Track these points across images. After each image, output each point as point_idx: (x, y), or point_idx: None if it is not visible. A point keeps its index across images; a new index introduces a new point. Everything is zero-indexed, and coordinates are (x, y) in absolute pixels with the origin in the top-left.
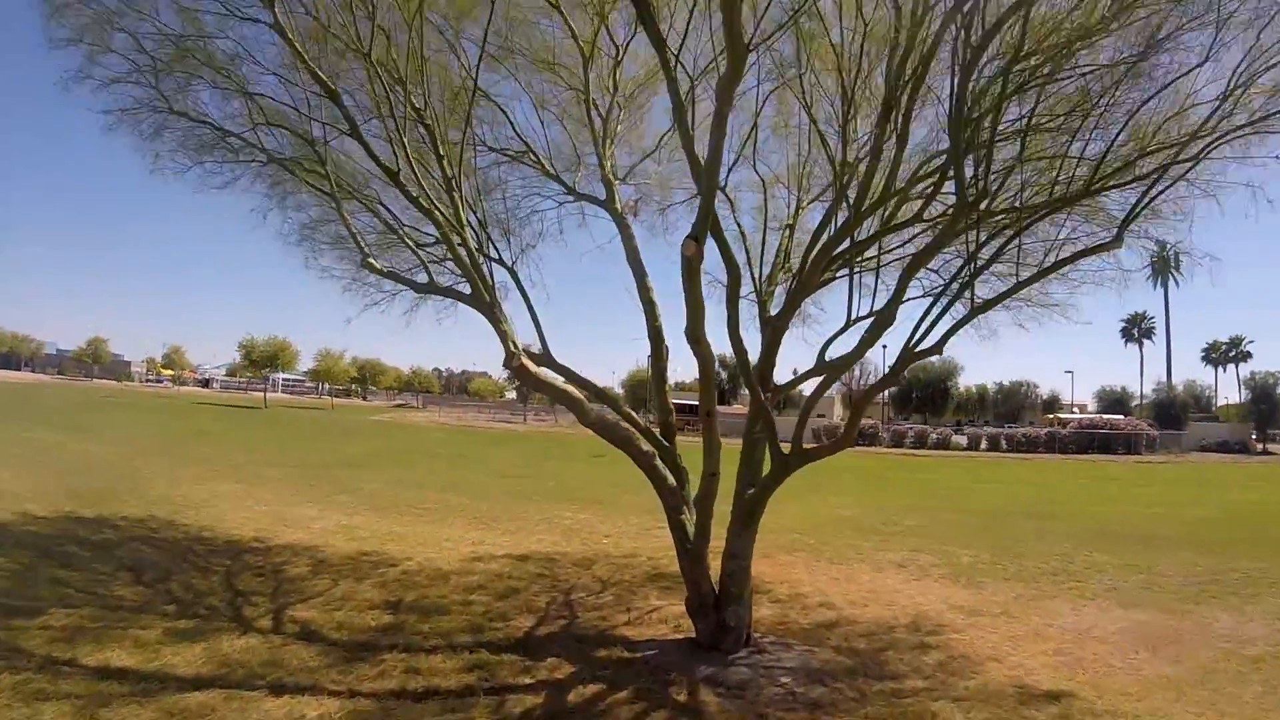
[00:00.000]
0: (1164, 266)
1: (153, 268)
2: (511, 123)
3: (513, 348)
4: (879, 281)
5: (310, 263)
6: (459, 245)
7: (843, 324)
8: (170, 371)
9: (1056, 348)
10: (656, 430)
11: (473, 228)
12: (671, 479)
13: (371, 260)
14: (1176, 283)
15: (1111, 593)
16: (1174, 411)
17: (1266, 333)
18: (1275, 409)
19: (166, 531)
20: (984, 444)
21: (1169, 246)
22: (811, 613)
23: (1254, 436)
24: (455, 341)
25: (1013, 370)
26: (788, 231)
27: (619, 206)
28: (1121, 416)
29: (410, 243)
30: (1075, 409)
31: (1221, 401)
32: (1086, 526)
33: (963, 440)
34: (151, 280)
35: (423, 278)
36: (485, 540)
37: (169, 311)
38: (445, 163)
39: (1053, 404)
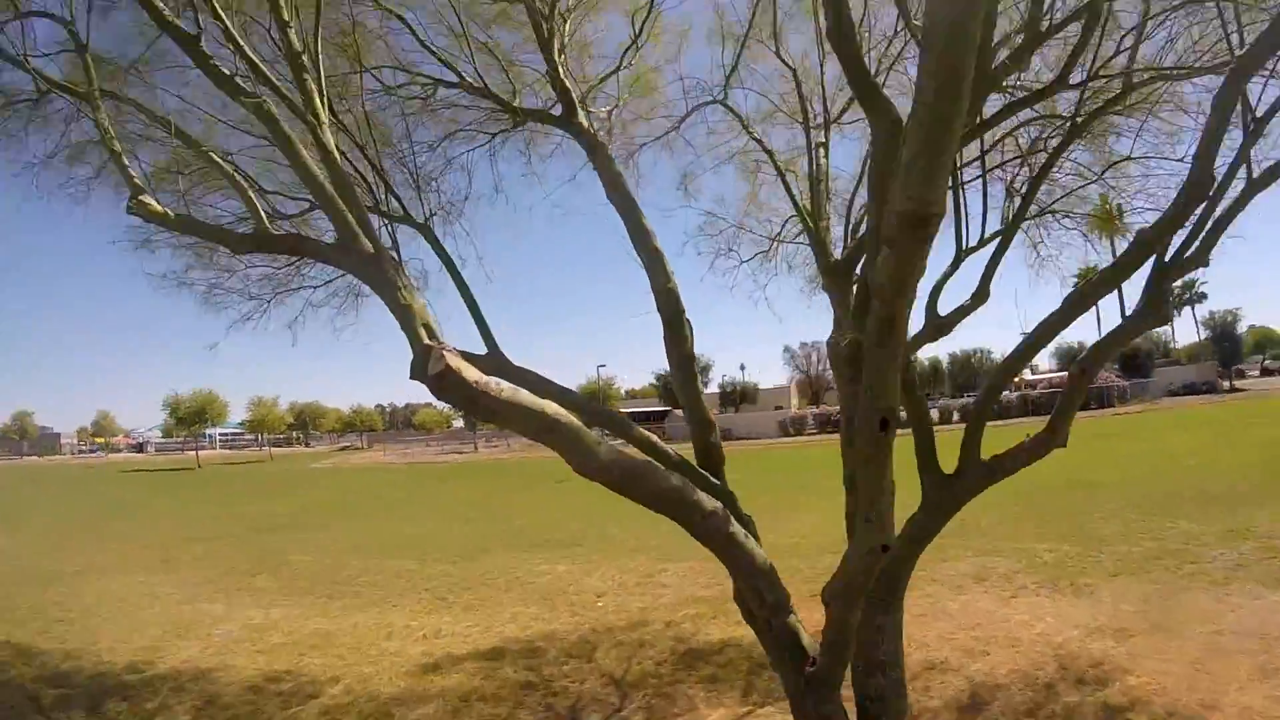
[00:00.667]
0: (1108, 216)
1: (74, 329)
2: (415, 35)
3: (425, 337)
4: (987, 191)
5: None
6: (310, 149)
7: (950, 261)
8: (101, 439)
9: (1006, 313)
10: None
11: (366, 180)
12: (759, 551)
13: (147, 199)
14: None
15: (1241, 571)
16: (1139, 360)
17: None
18: (1237, 346)
19: (17, 667)
20: (955, 416)
21: (1110, 200)
22: (929, 683)
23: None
24: (397, 374)
25: (963, 340)
26: (821, 151)
27: (586, 123)
28: None
29: (218, 157)
30: (1031, 370)
31: (1178, 345)
32: (1141, 492)
33: (934, 415)
34: (73, 343)
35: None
36: (442, 629)
37: (96, 375)
38: (291, 31)
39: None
